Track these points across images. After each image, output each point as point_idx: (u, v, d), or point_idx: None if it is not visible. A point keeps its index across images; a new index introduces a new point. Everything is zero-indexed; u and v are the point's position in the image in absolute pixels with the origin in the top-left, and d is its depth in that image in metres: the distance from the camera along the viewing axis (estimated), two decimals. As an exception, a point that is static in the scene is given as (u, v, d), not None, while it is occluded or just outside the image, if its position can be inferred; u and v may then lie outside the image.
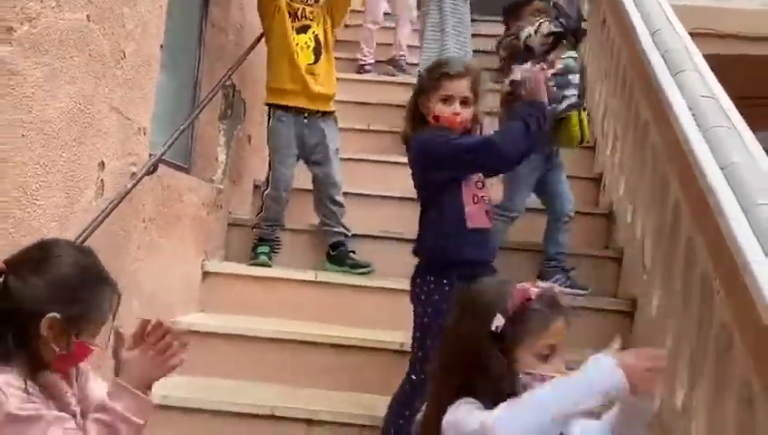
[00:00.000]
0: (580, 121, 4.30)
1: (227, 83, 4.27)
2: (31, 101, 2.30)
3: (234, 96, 4.43)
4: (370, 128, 5.48)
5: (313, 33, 4.41)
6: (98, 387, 1.96)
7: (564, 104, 4.14)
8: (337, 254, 4.39)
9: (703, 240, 2.93)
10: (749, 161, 2.89)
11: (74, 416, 1.83)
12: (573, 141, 4.30)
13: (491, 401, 1.68)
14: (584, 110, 4.43)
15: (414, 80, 5.74)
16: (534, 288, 1.77)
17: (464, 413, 1.69)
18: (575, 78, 4.24)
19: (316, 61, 4.40)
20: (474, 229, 3.08)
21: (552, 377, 1.69)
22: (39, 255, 1.84)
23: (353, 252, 4.40)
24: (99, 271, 1.89)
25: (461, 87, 3.08)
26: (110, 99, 2.81)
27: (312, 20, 4.41)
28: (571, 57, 4.29)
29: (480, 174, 3.16)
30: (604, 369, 1.62)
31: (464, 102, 3.08)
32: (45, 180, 2.43)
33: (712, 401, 2.72)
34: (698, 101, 3.33)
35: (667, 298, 3.44)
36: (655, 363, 1.67)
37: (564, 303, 1.79)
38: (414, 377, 3.04)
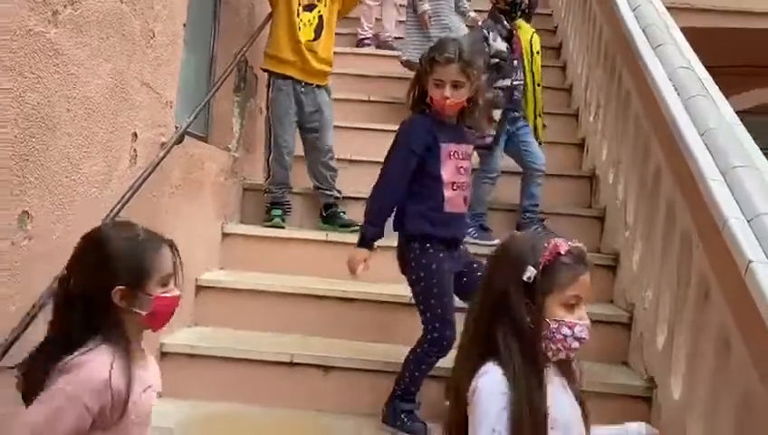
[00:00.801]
0: (536, 125, 4.65)
1: (241, 59, 4.26)
2: (75, 78, 2.31)
3: (246, 71, 4.43)
4: (370, 99, 5.49)
5: (319, 12, 4.39)
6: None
7: (486, 141, 4.29)
8: (329, 214, 4.43)
9: (683, 200, 2.98)
10: (725, 127, 2.95)
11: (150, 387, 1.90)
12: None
13: (518, 350, 1.71)
14: (540, 116, 4.67)
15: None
16: (566, 244, 1.78)
17: (479, 401, 1.72)
18: (497, 114, 4.34)
19: (316, 38, 4.38)
20: (450, 213, 3.11)
21: (576, 323, 1.74)
22: (87, 246, 1.88)
23: (344, 212, 4.41)
24: (142, 236, 1.91)
25: (450, 72, 3.03)
26: (141, 75, 2.83)
27: (319, 1, 4.39)
28: (502, 88, 4.38)
29: (463, 162, 3.15)
30: None
31: (455, 86, 3.05)
32: (88, 150, 2.45)
33: (692, 342, 2.82)
34: (677, 71, 3.38)
35: (648, 252, 3.50)
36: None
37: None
38: (429, 335, 3.04)
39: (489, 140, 4.35)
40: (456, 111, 3.12)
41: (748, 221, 2.39)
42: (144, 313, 1.84)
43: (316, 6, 4.39)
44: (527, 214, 4.44)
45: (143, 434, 1.91)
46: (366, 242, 3.12)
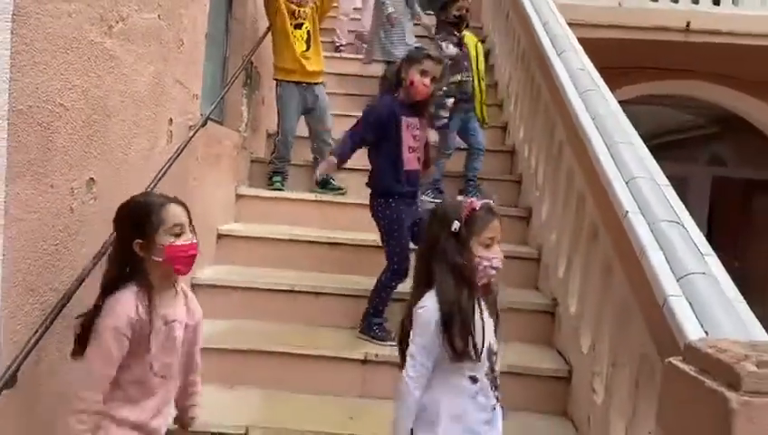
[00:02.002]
0: (482, 110, 4.67)
1: (247, 61, 4.21)
2: (125, 77, 2.31)
3: (251, 70, 4.39)
4: (349, 93, 5.43)
5: (306, 28, 4.40)
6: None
7: (437, 124, 4.28)
8: (322, 181, 4.40)
9: (579, 167, 3.05)
10: (610, 113, 3.02)
11: (175, 321, 1.87)
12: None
13: (451, 279, 1.81)
14: (483, 103, 4.68)
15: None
16: (478, 202, 1.87)
17: (418, 324, 1.82)
18: (449, 102, 4.36)
19: (307, 49, 4.40)
20: (407, 171, 3.16)
21: (493, 257, 1.84)
22: (118, 210, 1.89)
23: (333, 179, 4.41)
24: (154, 198, 1.88)
25: (436, 69, 3.15)
26: (174, 74, 2.81)
27: (305, 19, 4.40)
28: (454, 82, 4.39)
29: (418, 131, 3.20)
30: None
31: (432, 79, 3.14)
32: (136, 132, 2.45)
33: (585, 269, 2.93)
34: (576, 72, 3.44)
35: (552, 206, 3.59)
36: None
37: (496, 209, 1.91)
38: (391, 266, 3.14)
39: (444, 122, 4.38)
40: (424, 96, 3.18)
41: (626, 182, 2.49)
42: (161, 259, 1.79)
43: (303, 24, 4.40)
44: (470, 181, 4.51)
45: (168, 391, 1.90)
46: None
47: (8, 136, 1.64)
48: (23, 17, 1.69)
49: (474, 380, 1.81)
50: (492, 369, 1.85)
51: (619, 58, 6.42)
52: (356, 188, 4.32)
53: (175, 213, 1.84)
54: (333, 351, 3.01)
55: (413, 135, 3.19)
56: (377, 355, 2.97)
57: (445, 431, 1.78)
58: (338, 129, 4.67)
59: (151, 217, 1.80)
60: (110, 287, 1.80)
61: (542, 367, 2.97)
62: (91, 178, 2.12)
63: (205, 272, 3.40)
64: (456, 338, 1.76)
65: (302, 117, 4.46)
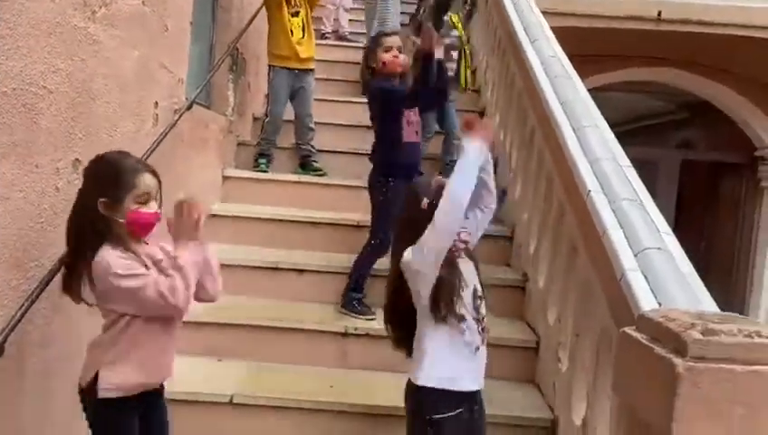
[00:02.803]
0: (465, 76, 4.59)
1: (233, 47, 4.19)
2: (110, 60, 2.28)
3: (237, 56, 4.35)
4: (331, 78, 5.42)
5: (302, 17, 4.41)
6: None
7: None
8: (304, 163, 4.45)
9: (548, 150, 3.06)
10: (578, 99, 3.03)
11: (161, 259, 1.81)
12: (459, 89, 4.51)
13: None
14: (468, 68, 4.62)
15: (358, 45, 5.77)
16: (445, 180, 1.94)
17: (406, 253, 1.89)
18: (455, 54, 4.34)
19: (303, 36, 4.41)
20: (407, 143, 3.17)
21: (462, 231, 1.94)
22: (89, 164, 1.82)
23: (316, 162, 4.44)
24: (130, 162, 1.79)
25: (395, 40, 3.18)
26: (159, 58, 2.78)
27: (300, 7, 4.40)
28: (455, 36, 4.37)
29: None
30: (470, 148, 1.89)
31: (399, 50, 3.15)
32: (121, 114, 2.43)
33: (552, 249, 2.96)
34: (547, 59, 3.44)
35: (524, 187, 3.61)
36: (486, 127, 1.99)
37: None
38: (373, 241, 3.16)
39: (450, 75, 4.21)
40: (401, 71, 3.19)
41: (590, 163, 2.51)
42: (123, 221, 1.74)
43: (299, 12, 4.41)
44: (447, 164, 4.52)
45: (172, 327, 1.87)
46: None
47: (-7, 117, 1.64)
48: (7, 3, 1.67)
49: (461, 318, 1.88)
50: (476, 310, 1.89)
51: (592, 46, 6.41)
52: (338, 171, 4.37)
53: (146, 182, 1.78)
54: (315, 325, 3.04)
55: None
56: (356, 329, 3.00)
57: (431, 364, 1.85)
58: (322, 116, 4.71)
59: (122, 180, 1.74)
60: (80, 249, 1.74)
61: (513, 338, 3.02)
62: (77, 159, 2.10)
63: (191, 250, 3.38)
64: (441, 304, 1.83)
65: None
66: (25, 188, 1.81)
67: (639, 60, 7.36)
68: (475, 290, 1.92)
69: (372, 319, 3.06)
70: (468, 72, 4.70)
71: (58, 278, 1.90)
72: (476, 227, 2.08)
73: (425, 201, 1.89)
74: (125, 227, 1.76)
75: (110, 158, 1.82)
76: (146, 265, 1.76)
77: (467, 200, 1.83)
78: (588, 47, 6.15)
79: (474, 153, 1.88)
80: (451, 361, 1.86)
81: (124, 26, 2.39)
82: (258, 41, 4.61)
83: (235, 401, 2.61)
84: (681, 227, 9.46)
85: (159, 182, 1.83)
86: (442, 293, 1.84)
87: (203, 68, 3.93)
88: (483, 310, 1.94)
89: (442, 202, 1.82)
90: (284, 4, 4.32)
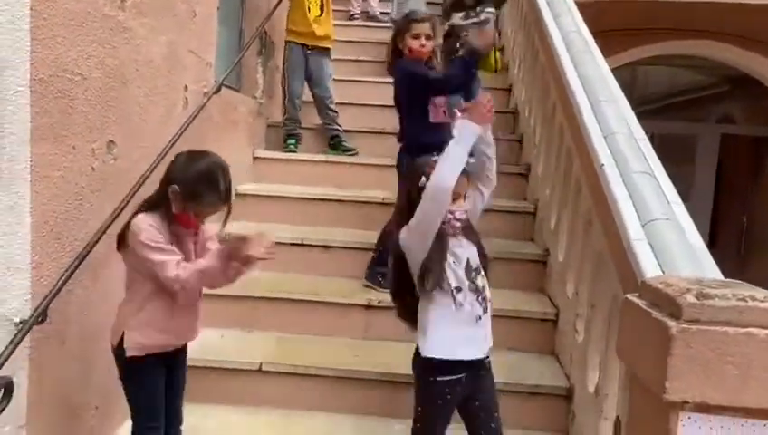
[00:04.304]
0: (495, 57, 4.44)
1: (261, 31, 4.28)
2: (140, 47, 2.40)
3: (266, 39, 4.45)
4: (360, 59, 5.47)
5: None
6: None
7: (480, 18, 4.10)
8: (334, 143, 4.51)
9: (568, 125, 3.08)
10: (598, 74, 3.02)
11: (187, 257, 1.93)
12: (489, 69, 4.46)
13: None
14: (499, 49, 4.59)
15: (386, 25, 5.79)
16: None
17: (402, 231, 1.97)
18: (490, 26, 4.31)
19: (321, 14, 4.43)
20: (434, 123, 3.16)
21: (458, 210, 1.99)
22: (182, 154, 1.97)
23: (345, 141, 4.50)
24: (218, 182, 1.88)
25: (425, 27, 3.13)
26: (188, 44, 2.89)
27: None
28: (490, 12, 4.33)
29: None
30: (465, 126, 1.93)
31: (427, 38, 3.14)
32: (153, 99, 2.55)
33: (571, 221, 2.99)
34: (569, 34, 3.43)
35: (547, 163, 3.62)
36: (485, 105, 2.00)
37: None
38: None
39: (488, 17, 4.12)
40: (426, 58, 3.19)
41: (605, 137, 2.52)
42: (177, 212, 1.89)
43: None
44: None
45: (194, 309, 2.00)
46: None
47: (31, 102, 1.76)
48: (40, -5, 1.79)
49: (457, 290, 1.93)
50: (473, 281, 1.96)
51: (632, 19, 6.28)
52: (368, 150, 4.43)
53: (213, 210, 1.93)
54: (340, 298, 3.14)
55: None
56: (379, 301, 3.08)
57: (431, 335, 1.93)
58: (351, 96, 4.77)
59: (200, 199, 1.87)
60: (140, 209, 1.90)
61: (534, 310, 3.07)
62: (111, 141, 2.24)
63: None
64: (429, 280, 1.89)
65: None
66: (63, 167, 1.95)
67: (681, 33, 7.15)
68: (468, 263, 1.97)
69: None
70: (498, 53, 4.68)
71: (96, 251, 2.06)
72: (474, 204, 2.11)
73: (423, 180, 1.93)
74: (176, 215, 1.90)
75: (212, 167, 1.91)
76: (171, 243, 1.88)
77: (452, 186, 1.86)
78: (628, 21, 6.02)
79: (467, 135, 1.91)
80: (450, 331, 1.92)
81: (153, 14, 2.49)
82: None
83: (263, 369, 2.75)
84: (722, 202, 9.24)
85: (227, 209, 1.96)
86: (426, 268, 1.90)
87: (232, 52, 4.03)
88: (479, 281, 1.99)
89: (427, 187, 1.87)
90: None
